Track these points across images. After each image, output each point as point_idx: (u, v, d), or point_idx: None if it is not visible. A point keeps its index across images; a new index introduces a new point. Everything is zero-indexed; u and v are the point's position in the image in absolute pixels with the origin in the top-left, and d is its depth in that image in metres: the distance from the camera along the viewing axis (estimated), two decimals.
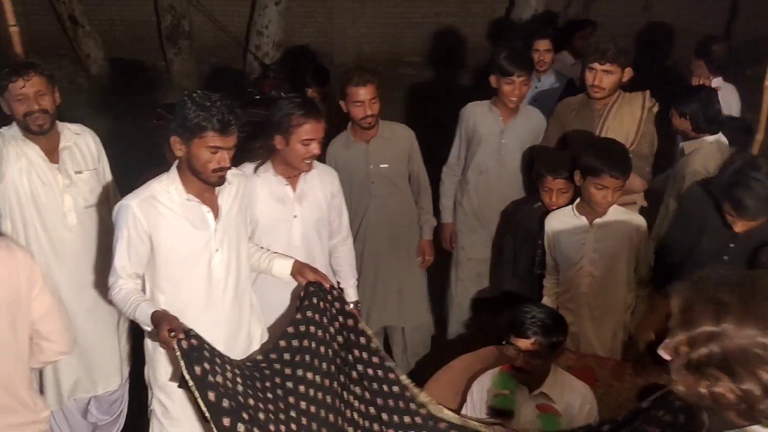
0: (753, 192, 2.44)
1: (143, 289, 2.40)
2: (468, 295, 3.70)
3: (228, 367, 2.16)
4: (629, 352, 2.94)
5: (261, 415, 2.11)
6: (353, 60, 7.50)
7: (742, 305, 1.23)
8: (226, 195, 2.43)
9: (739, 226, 2.54)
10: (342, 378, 2.41)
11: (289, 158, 2.64)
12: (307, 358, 2.35)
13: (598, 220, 2.89)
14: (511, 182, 3.50)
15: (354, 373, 2.44)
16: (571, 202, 3.00)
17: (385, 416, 2.38)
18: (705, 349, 1.24)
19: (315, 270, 2.56)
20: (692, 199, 2.80)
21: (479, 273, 3.66)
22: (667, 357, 1.31)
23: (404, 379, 2.47)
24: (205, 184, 2.34)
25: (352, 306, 2.76)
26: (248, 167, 2.71)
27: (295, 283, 2.61)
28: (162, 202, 2.32)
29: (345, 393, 2.39)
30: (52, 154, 2.78)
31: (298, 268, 2.56)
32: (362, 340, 2.47)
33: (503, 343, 2.51)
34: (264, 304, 2.69)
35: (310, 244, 2.79)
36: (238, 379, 2.15)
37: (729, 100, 4.01)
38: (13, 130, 2.74)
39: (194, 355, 2.07)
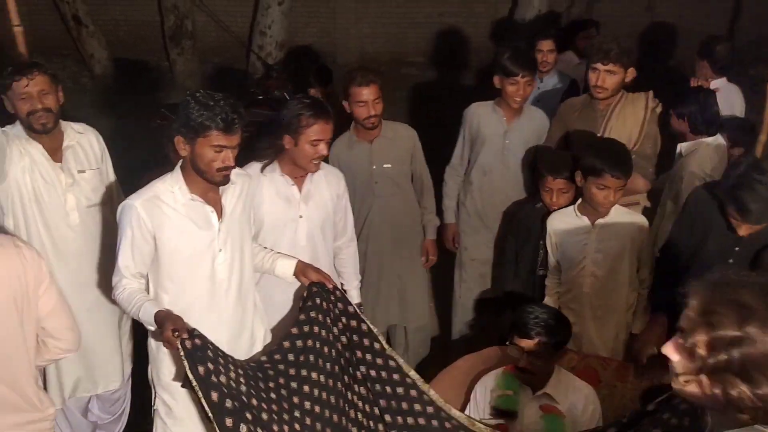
0: (757, 196, 2.43)
1: (147, 289, 2.40)
2: (471, 296, 3.70)
3: (231, 367, 2.16)
4: (631, 352, 2.93)
5: (264, 416, 2.11)
6: (356, 60, 7.50)
7: (766, 309, 1.20)
8: (229, 195, 2.43)
9: (743, 230, 2.54)
10: (346, 378, 2.41)
11: (297, 158, 2.65)
12: (312, 358, 2.35)
13: (600, 221, 2.89)
14: (514, 183, 3.49)
15: (358, 373, 2.44)
16: (573, 203, 2.99)
17: (388, 417, 2.38)
18: (725, 354, 1.21)
19: (318, 270, 2.56)
20: (697, 201, 2.79)
21: (482, 274, 3.66)
22: (673, 356, 1.30)
23: (413, 374, 2.46)
24: (209, 184, 2.34)
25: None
26: (255, 166, 2.71)
27: (298, 284, 2.61)
28: (166, 201, 2.33)
29: (349, 393, 2.39)
30: (56, 153, 2.78)
31: (302, 269, 2.56)
32: (366, 341, 2.47)
33: (506, 343, 2.51)
34: (267, 304, 2.70)
35: (315, 245, 2.79)
36: (242, 379, 2.15)
37: (732, 101, 4.01)
38: (17, 129, 2.75)
39: (198, 355, 2.07)
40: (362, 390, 2.43)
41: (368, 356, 2.46)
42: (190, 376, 2.02)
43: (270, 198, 2.71)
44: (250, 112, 3.28)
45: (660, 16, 7.47)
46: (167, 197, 2.33)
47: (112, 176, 3.00)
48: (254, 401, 2.12)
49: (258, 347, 2.58)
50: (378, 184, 3.34)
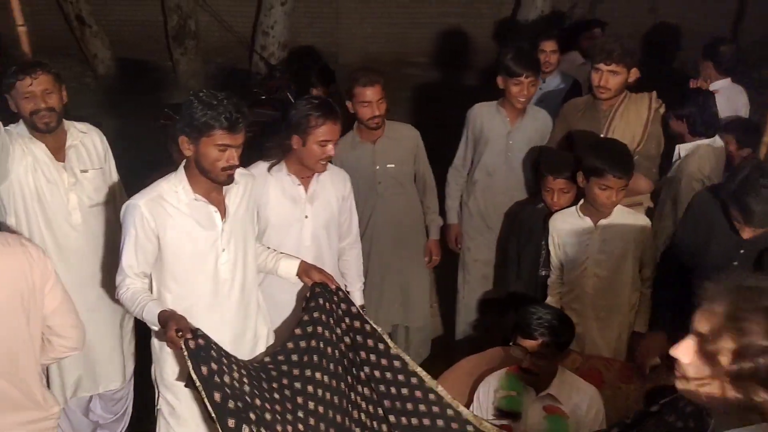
0: (761, 199, 2.43)
1: (150, 289, 2.40)
2: (475, 297, 3.70)
3: (235, 367, 2.16)
4: (633, 352, 2.92)
5: (268, 416, 2.11)
6: (359, 60, 7.49)
7: None
8: (233, 195, 2.44)
9: (747, 233, 2.54)
10: (349, 379, 2.40)
11: (305, 158, 2.65)
12: (315, 358, 2.34)
13: (602, 221, 2.88)
14: (517, 183, 3.49)
15: (362, 374, 2.44)
16: (575, 203, 2.99)
17: (392, 418, 2.38)
18: (752, 362, 1.19)
19: (321, 270, 2.56)
20: (700, 203, 2.79)
21: (485, 275, 3.66)
22: (684, 359, 1.28)
23: (420, 371, 2.46)
24: (212, 184, 2.35)
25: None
26: (262, 166, 2.72)
27: (301, 284, 2.61)
28: (169, 201, 2.33)
29: (352, 394, 2.39)
30: (59, 152, 2.78)
31: (305, 269, 2.56)
32: (369, 341, 2.47)
33: (510, 344, 2.51)
34: (270, 304, 2.70)
35: (320, 245, 2.79)
36: (245, 380, 2.15)
37: (737, 102, 4.01)
38: (20, 128, 2.75)
39: (201, 355, 2.07)
40: (365, 390, 2.42)
41: (372, 357, 2.46)
42: (194, 376, 2.02)
43: (276, 197, 2.71)
44: (253, 112, 3.29)
45: (663, 16, 7.46)
46: (171, 197, 2.33)
47: (115, 176, 3.00)
48: (258, 401, 2.12)
49: (261, 347, 2.58)
50: (381, 185, 3.34)
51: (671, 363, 1.32)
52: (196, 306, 2.38)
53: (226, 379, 2.07)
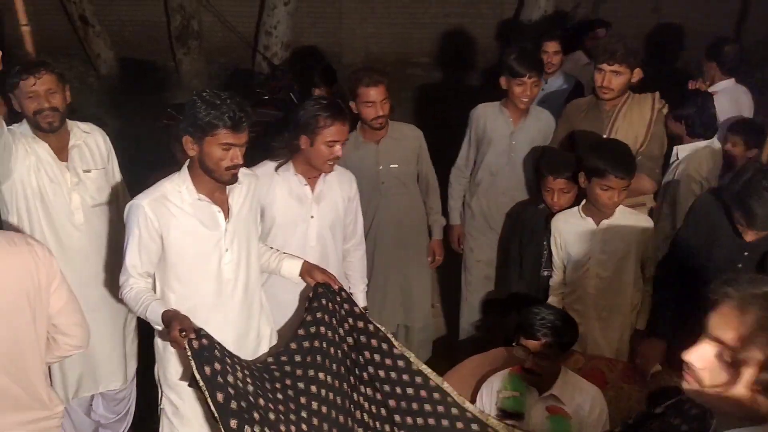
0: (764, 202, 2.42)
1: (153, 288, 2.40)
2: (478, 297, 3.70)
3: (238, 368, 2.16)
4: (635, 352, 2.92)
5: (271, 416, 2.11)
6: (361, 60, 7.50)
7: None
8: (236, 195, 2.44)
9: (750, 236, 2.53)
10: (352, 379, 2.40)
11: (312, 159, 2.65)
12: (318, 358, 2.34)
13: (604, 222, 2.88)
14: (520, 184, 3.49)
15: (365, 374, 2.44)
16: (576, 203, 2.99)
17: (398, 418, 2.38)
18: None
19: (324, 271, 2.56)
20: (702, 206, 2.78)
21: (488, 275, 3.66)
22: (698, 364, 1.26)
23: (425, 369, 2.46)
24: (216, 184, 2.35)
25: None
26: (269, 165, 2.72)
27: (304, 284, 2.61)
28: (173, 201, 2.33)
29: (355, 394, 2.38)
30: (62, 152, 2.78)
31: (307, 269, 2.56)
32: (373, 341, 2.47)
33: (513, 344, 2.50)
34: (274, 303, 2.70)
35: (325, 245, 2.79)
36: (249, 380, 2.15)
37: (741, 102, 4.00)
38: (24, 128, 2.75)
39: (205, 355, 2.07)
40: (368, 391, 2.42)
41: (376, 356, 2.46)
42: (197, 376, 2.02)
43: (282, 197, 2.71)
44: (256, 112, 3.29)
45: (666, 17, 7.44)
46: (174, 197, 2.33)
47: (118, 176, 3.00)
48: (261, 401, 2.12)
49: (264, 347, 2.58)
50: (384, 185, 3.34)
51: (679, 366, 1.31)
52: (200, 306, 2.38)
53: (230, 378, 2.07)
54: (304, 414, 2.22)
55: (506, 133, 3.45)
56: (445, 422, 2.38)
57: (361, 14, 7.85)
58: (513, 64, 3.29)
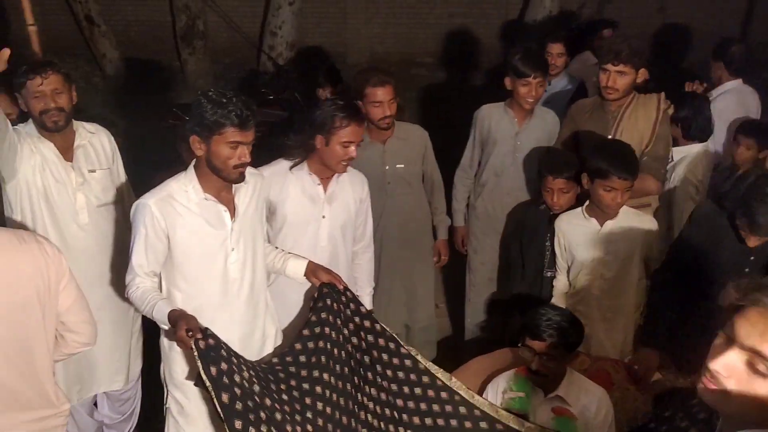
0: (766, 208, 2.41)
1: (159, 287, 2.41)
2: (482, 299, 3.69)
3: (244, 368, 2.16)
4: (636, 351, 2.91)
5: (278, 416, 2.11)
6: (366, 60, 7.51)
7: None
8: (242, 194, 2.44)
9: (753, 241, 2.53)
10: (356, 380, 2.40)
11: (327, 159, 2.65)
12: (323, 359, 2.34)
13: (608, 223, 2.87)
14: (526, 184, 3.48)
15: (369, 375, 2.44)
16: (579, 203, 2.98)
17: (405, 417, 2.37)
18: None
19: (329, 271, 2.56)
20: (705, 212, 2.77)
21: (492, 277, 3.65)
22: (724, 372, 1.23)
23: (431, 366, 2.46)
24: (222, 183, 2.35)
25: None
26: (284, 164, 2.73)
27: (310, 284, 2.61)
28: (179, 201, 2.33)
29: (359, 395, 2.38)
30: (67, 152, 2.78)
31: (312, 269, 2.56)
32: (380, 341, 2.47)
33: (518, 345, 2.50)
34: (279, 303, 2.70)
35: (336, 246, 2.79)
36: (255, 380, 2.15)
37: (747, 103, 4.00)
38: (29, 128, 2.75)
39: (211, 355, 2.07)
40: (373, 391, 2.42)
41: (384, 356, 2.46)
42: (204, 377, 2.02)
43: (295, 195, 2.72)
44: (261, 112, 3.29)
45: (672, 17, 7.43)
46: (181, 196, 2.34)
47: (123, 176, 3.00)
48: (267, 401, 2.12)
49: (269, 347, 2.58)
50: (390, 185, 3.34)
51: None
52: (206, 305, 2.39)
53: (236, 378, 2.07)
54: (309, 414, 2.22)
55: (511, 133, 3.44)
56: (453, 422, 2.37)
57: (366, 14, 7.86)
58: (518, 64, 3.29)
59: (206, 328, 2.14)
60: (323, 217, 2.74)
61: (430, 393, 2.42)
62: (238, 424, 1.98)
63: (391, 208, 3.36)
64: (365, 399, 2.40)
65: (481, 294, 3.69)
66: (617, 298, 2.92)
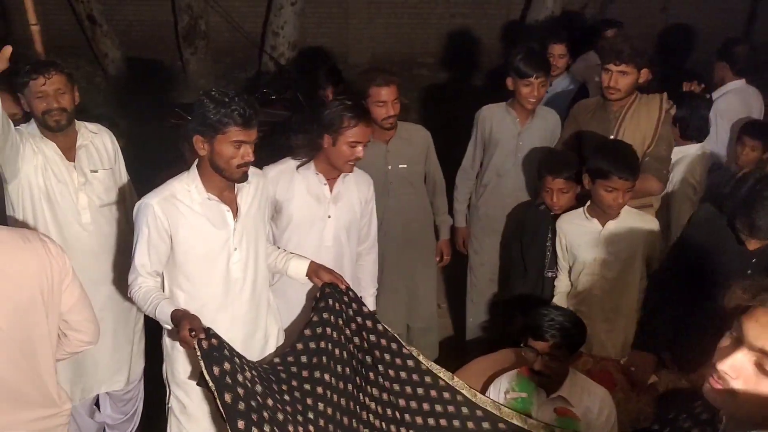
0: (765, 212, 2.41)
1: (162, 287, 2.41)
2: (484, 299, 3.69)
3: (246, 368, 2.16)
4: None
5: (280, 416, 2.11)
6: (368, 61, 7.51)
7: None
8: (245, 194, 2.44)
9: (753, 244, 2.52)
10: (358, 380, 2.40)
11: (334, 158, 2.65)
12: (324, 359, 2.34)
13: (610, 223, 2.87)
14: (528, 184, 3.48)
15: (371, 375, 2.43)
16: (581, 203, 2.98)
17: (407, 417, 2.37)
18: None
19: (330, 271, 2.55)
20: (705, 216, 2.77)
21: (493, 278, 3.65)
22: (733, 375, 1.23)
23: (433, 366, 2.45)
24: (225, 183, 2.35)
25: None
26: (291, 163, 2.73)
27: (312, 284, 2.61)
28: (182, 200, 2.33)
29: (361, 395, 2.38)
30: (69, 152, 2.78)
31: (314, 269, 2.56)
32: (383, 341, 2.47)
33: (521, 345, 2.49)
34: (282, 303, 2.70)
35: (341, 246, 2.79)
36: (257, 380, 2.15)
37: (750, 103, 3.99)
38: (31, 128, 2.75)
39: (214, 355, 2.07)
40: (375, 391, 2.42)
41: (386, 356, 2.45)
42: (207, 377, 2.02)
43: (301, 194, 2.72)
44: (263, 111, 3.29)
45: (674, 17, 7.42)
46: (183, 196, 2.34)
47: (125, 176, 3.00)
48: (270, 401, 2.12)
49: (271, 346, 2.58)
50: (393, 185, 3.34)
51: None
52: (208, 305, 2.39)
53: (239, 378, 2.07)
54: (310, 415, 2.22)
55: (513, 133, 3.44)
56: (456, 423, 2.37)
57: (368, 14, 7.86)
58: (520, 64, 3.28)
59: (209, 328, 2.14)
60: (329, 216, 2.74)
61: (433, 393, 2.42)
62: (240, 424, 1.98)
63: (394, 208, 3.36)
64: (367, 399, 2.39)
65: (483, 294, 3.69)
66: (619, 298, 2.92)
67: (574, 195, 3.04)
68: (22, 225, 2.72)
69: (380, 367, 2.44)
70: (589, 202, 2.92)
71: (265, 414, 2.05)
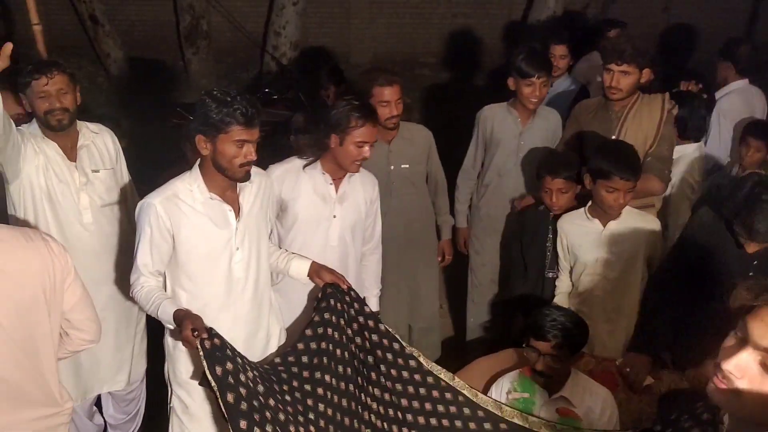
0: (764, 216, 2.41)
1: (164, 287, 2.41)
2: (485, 300, 3.69)
3: (248, 368, 2.16)
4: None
5: (281, 416, 2.11)
6: (369, 60, 7.51)
7: None
8: (247, 194, 2.44)
9: (752, 247, 2.52)
10: (359, 380, 2.40)
11: (340, 158, 2.65)
12: (325, 360, 2.34)
13: (611, 223, 2.86)
14: (528, 185, 3.48)
15: (373, 374, 2.43)
16: (582, 203, 2.97)
17: (409, 417, 2.37)
18: None
19: (332, 271, 2.55)
20: (703, 220, 2.76)
21: (494, 278, 3.65)
22: (738, 374, 1.23)
23: (434, 367, 2.46)
24: (227, 183, 2.35)
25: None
26: (297, 162, 2.73)
27: (314, 284, 2.61)
28: (184, 200, 2.33)
29: (362, 395, 2.38)
30: (70, 152, 2.78)
31: (316, 269, 2.56)
32: (385, 341, 2.46)
33: (522, 345, 2.49)
34: (284, 302, 2.70)
35: (346, 246, 2.79)
36: (259, 380, 2.15)
37: (753, 103, 3.99)
38: (33, 128, 2.75)
39: (217, 355, 2.07)
40: (376, 391, 2.42)
41: (389, 355, 2.45)
42: (209, 377, 2.02)
43: (307, 193, 2.72)
44: (265, 111, 3.29)
45: (676, 17, 7.42)
46: (186, 196, 2.34)
47: (126, 176, 3.00)
48: (271, 401, 2.12)
49: (273, 346, 2.58)
50: (395, 185, 3.34)
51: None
52: (210, 305, 2.39)
53: (241, 378, 2.07)
54: (311, 415, 2.22)
55: (515, 133, 3.44)
56: (458, 423, 2.37)
57: (370, 14, 7.86)
58: (522, 64, 3.28)
59: (211, 328, 2.14)
60: (334, 216, 2.74)
61: (435, 393, 2.42)
62: (242, 424, 1.98)
63: (396, 208, 3.35)
64: (369, 399, 2.39)
65: (484, 295, 3.69)
66: (620, 298, 2.92)
67: (574, 195, 3.04)
68: (24, 225, 2.71)
69: (382, 367, 2.44)
70: (590, 203, 2.92)
71: (267, 414, 2.05)
